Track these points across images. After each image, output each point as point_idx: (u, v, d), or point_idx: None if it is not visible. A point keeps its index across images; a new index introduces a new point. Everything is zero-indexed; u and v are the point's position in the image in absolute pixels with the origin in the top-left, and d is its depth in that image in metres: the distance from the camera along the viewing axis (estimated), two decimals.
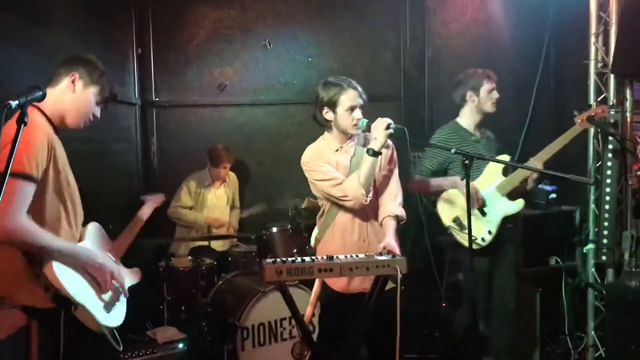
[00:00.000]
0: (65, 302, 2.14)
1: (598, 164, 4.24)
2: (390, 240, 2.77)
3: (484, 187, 3.56)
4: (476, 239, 3.47)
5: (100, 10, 4.54)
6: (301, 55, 5.40)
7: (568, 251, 4.38)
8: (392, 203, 2.97)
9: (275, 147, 5.38)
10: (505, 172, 3.61)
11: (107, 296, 2.35)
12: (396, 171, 3.06)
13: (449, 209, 3.61)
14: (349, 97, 2.87)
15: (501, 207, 3.55)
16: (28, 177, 2.03)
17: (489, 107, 3.68)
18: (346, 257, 2.61)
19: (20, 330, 2.46)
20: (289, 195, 4.75)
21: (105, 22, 4.66)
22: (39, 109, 2.25)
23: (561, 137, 3.55)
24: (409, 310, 3.98)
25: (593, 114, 3.60)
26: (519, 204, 3.56)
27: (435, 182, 3.63)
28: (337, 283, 2.94)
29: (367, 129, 2.84)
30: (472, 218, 3.39)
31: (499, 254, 3.62)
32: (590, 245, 4.25)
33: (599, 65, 4.28)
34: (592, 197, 4.28)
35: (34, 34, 3.51)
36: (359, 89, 2.92)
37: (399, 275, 2.50)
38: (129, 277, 2.63)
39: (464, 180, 3.30)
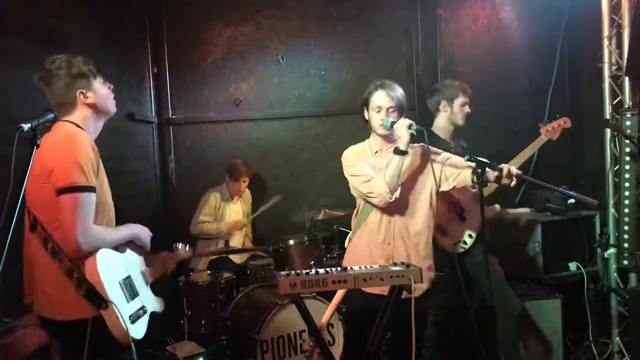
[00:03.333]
0: (97, 299, 2.16)
1: (616, 168, 4.20)
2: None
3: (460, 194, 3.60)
4: (459, 241, 3.58)
5: (116, 32, 4.64)
6: (315, 69, 5.45)
7: (589, 256, 4.32)
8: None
9: (291, 160, 5.42)
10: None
11: (134, 307, 2.37)
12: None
13: None
14: (376, 98, 2.98)
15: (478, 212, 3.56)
16: (87, 188, 2.15)
17: (459, 120, 3.72)
18: (360, 268, 2.61)
19: (42, 348, 2.51)
20: (305, 207, 4.78)
21: (121, 43, 4.77)
22: (76, 125, 2.33)
23: (529, 146, 3.63)
24: (430, 319, 4.01)
25: (557, 126, 3.66)
26: (495, 209, 3.74)
27: None
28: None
29: (391, 128, 2.90)
30: (454, 223, 3.59)
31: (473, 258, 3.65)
32: (612, 250, 4.20)
33: (614, 68, 4.26)
34: (611, 202, 4.24)
35: (50, 57, 3.59)
36: (391, 91, 2.97)
37: (413, 285, 2.50)
38: (156, 304, 2.65)
39: None
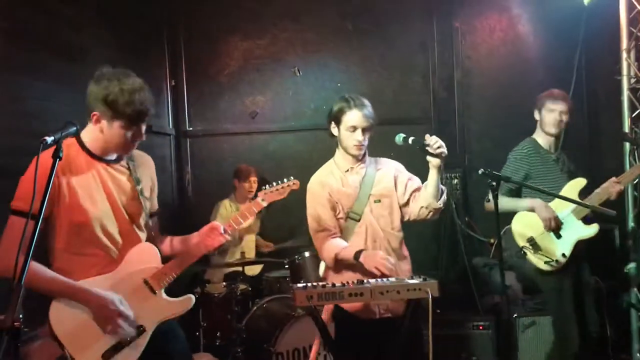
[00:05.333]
0: (61, 347, 2.13)
1: (636, 181, 4.15)
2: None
3: (560, 210, 3.49)
4: (551, 260, 3.43)
5: (134, 45, 4.70)
6: (330, 82, 5.46)
7: (608, 270, 4.26)
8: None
9: (306, 172, 5.34)
10: (582, 194, 3.51)
11: (112, 339, 2.19)
12: (415, 180, 2.98)
13: (524, 230, 3.54)
14: (352, 117, 2.82)
15: (576, 231, 3.48)
16: (20, 214, 2.05)
17: (547, 127, 3.61)
18: (377, 280, 2.60)
19: (60, 358, 2.52)
20: None
21: (139, 56, 4.82)
22: (80, 142, 2.25)
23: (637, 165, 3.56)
24: (444, 333, 3.98)
25: None
26: (594, 229, 3.48)
27: (512, 202, 3.58)
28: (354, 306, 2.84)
29: (404, 142, 2.80)
30: (547, 240, 3.47)
31: (574, 271, 3.56)
32: (632, 264, 4.14)
33: (632, 80, 4.22)
34: (630, 215, 4.18)
35: (69, 70, 3.66)
36: (367, 110, 2.84)
37: (430, 299, 2.48)
38: (169, 310, 2.39)
39: (545, 204, 3.44)
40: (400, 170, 3.02)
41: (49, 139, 1.72)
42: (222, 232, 2.49)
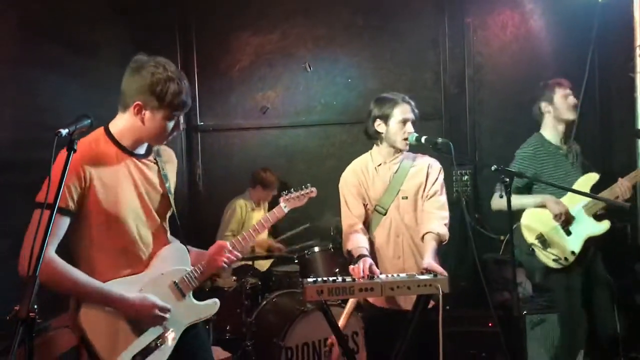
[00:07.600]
0: (89, 349, 2.07)
1: None
2: (430, 260, 2.71)
3: (570, 206, 3.47)
4: (559, 258, 3.42)
5: (146, 41, 4.72)
6: (341, 77, 5.46)
7: (619, 268, 4.23)
8: (436, 221, 2.90)
9: (316, 167, 5.44)
10: (594, 190, 3.49)
11: (147, 339, 2.16)
12: (441, 190, 3.02)
13: (534, 225, 3.53)
14: (403, 110, 2.96)
15: (586, 228, 3.46)
16: (38, 205, 1.96)
17: (566, 114, 3.61)
18: (387, 276, 2.61)
19: (72, 349, 2.56)
20: (330, 214, 4.78)
21: (151, 51, 4.80)
22: (105, 128, 2.16)
23: None
24: (454, 330, 3.98)
25: None
26: (605, 225, 3.47)
27: (521, 199, 3.56)
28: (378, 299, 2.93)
29: (417, 142, 2.90)
30: (557, 237, 3.45)
31: (589, 272, 3.56)
32: None
33: None
34: None
35: (84, 64, 3.70)
36: (412, 104, 3.00)
37: (441, 295, 2.49)
38: (198, 313, 2.38)
39: (555, 199, 3.43)
40: (434, 168, 3.04)
41: (64, 131, 1.72)
42: (231, 249, 2.43)
